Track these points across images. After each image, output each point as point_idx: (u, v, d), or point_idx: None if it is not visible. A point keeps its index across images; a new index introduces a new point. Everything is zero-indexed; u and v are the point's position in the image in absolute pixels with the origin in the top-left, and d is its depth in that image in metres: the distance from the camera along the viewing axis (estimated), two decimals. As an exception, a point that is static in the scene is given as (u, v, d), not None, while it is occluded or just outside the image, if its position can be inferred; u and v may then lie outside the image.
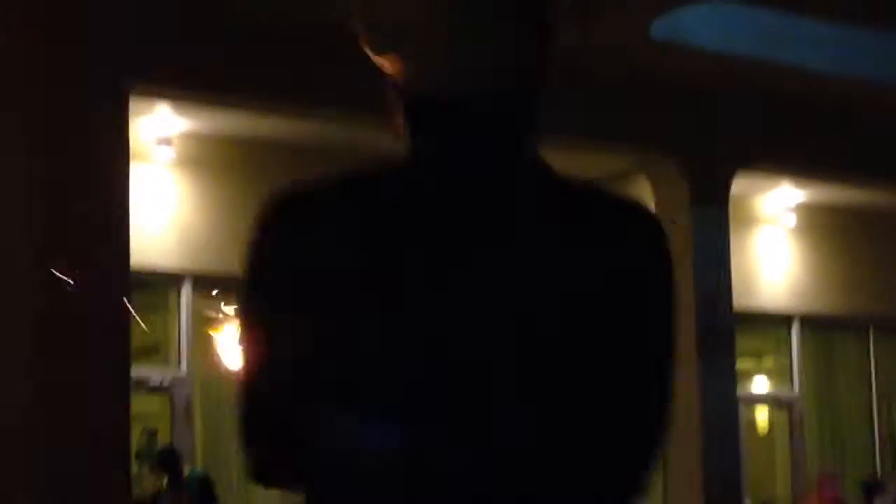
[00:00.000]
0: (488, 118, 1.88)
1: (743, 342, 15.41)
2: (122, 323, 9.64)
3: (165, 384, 12.38)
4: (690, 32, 10.77)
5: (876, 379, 17.03)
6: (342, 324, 1.84)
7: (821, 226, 16.43)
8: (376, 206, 1.86)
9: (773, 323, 16.45)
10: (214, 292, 10.00)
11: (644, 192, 12.44)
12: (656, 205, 11.77)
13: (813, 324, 16.62)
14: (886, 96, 12.24)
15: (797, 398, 16.28)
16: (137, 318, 10.09)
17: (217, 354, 9.28)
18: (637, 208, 1.94)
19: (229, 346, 8.96)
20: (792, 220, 16.00)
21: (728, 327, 12.15)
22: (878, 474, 16.10)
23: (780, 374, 16.55)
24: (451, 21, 1.85)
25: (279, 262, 1.88)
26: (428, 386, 1.82)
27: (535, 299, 1.83)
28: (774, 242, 16.11)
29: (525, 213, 1.87)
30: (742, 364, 15.82)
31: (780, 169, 13.63)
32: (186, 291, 12.64)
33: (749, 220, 15.69)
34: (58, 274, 9.19)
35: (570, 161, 2.88)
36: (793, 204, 15.89)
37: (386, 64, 1.90)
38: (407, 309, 1.83)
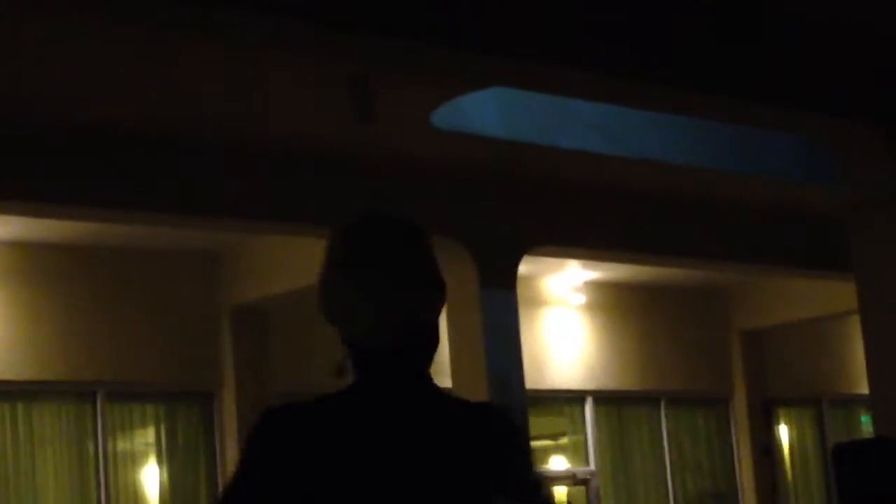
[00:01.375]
0: (399, 360, 2.87)
1: (538, 421, 15.60)
2: None
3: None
4: (471, 119, 10.95)
5: (669, 450, 17.38)
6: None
7: (608, 304, 16.77)
8: (337, 425, 2.81)
9: (566, 401, 16.69)
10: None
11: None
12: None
13: (606, 400, 16.92)
14: (662, 174, 12.60)
15: (594, 474, 16.51)
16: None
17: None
18: (490, 409, 2.98)
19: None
20: (580, 299, 16.32)
21: (521, 407, 12.29)
22: (676, 544, 16.39)
23: (576, 451, 16.79)
24: (365, 306, 2.87)
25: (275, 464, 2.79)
26: None
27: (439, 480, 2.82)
28: (564, 322, 16.38)
29: (430, 422, 2.86)
30: (539, 443, 16.02)
31: (565, 250, 13.89)
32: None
33: (538, 301, 15.95)
34: None
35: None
36: (580, 283, 16.21)
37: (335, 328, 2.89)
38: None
